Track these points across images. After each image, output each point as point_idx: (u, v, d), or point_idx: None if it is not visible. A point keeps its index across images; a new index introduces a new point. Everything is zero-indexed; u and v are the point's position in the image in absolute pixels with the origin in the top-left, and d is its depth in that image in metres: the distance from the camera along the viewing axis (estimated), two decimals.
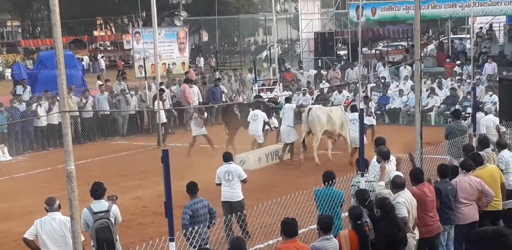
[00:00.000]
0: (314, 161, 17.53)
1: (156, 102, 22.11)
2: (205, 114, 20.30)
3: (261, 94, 24.35)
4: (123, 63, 51.55)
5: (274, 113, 20.28)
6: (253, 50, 59.39)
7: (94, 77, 40.59)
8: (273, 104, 20.82)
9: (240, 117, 19.92)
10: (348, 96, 23.99)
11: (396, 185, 8.98)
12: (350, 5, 33.08)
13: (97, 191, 9.29)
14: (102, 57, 53.21)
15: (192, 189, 9.92)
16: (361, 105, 18.58)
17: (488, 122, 14.52)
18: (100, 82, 26.21)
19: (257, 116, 18.74)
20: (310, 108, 18.19)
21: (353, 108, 17.82)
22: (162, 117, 21.77)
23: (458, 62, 29.21)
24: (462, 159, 10.75)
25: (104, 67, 49.81)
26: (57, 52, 6.02)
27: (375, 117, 20.57)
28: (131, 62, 41.54)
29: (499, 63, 28.04)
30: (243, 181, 11.93)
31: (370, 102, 20.52)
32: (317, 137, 17.85)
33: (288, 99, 19.02)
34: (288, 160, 18.52)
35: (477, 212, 9.93)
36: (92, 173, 16.67)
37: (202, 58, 45.35)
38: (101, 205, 9.25)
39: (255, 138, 18.95)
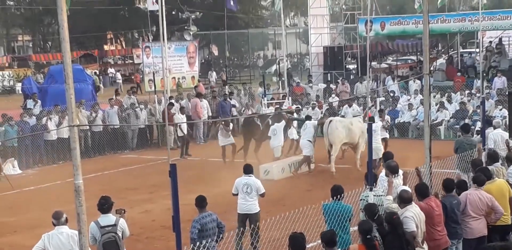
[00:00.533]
0: (330, 170, 17.96)
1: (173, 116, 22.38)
2: (231, 125, 20.61)
3: (270, 108, 24.40)
4: (133, 77, 51.82)
5: (293, 125, 20.65)
6: (263, 64, 59.51)
7: (104, 91, 40.95)
8: (291, 116, 20.96)
9: (262, 128, 20.20)
10: (358, 110, 24.00)
11: (403, 199, 8.96)
12: (359, 20, 33.16)
13: (104, 205, 9.31)
14: (118, 71, 53.37)
15: (201, 203, 9.90)
16: (376, 118, 18.70)
17: (496, 137, 14.44)
18: (118, 97, 26.35)
19: (276, 131, 19.22)
20: (330, 121, 18.74)
21: (371, 120, 17.87)
22: (183, 129, 21.98)
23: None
24: (470, 173, 10.72)
25: (120, 80, 49.81)
26: (65, 67, 6.08)
27: (387, 130, 20.68)
28: (141, 77, 41.68)
29: (508, 77, 27.99)
30: (261, 195, 11.94)
31: (385, 116, 20.63)
32: (335, 148, 18.37)
33: (308, 117, 19.43)
34: (305, 172, 18.79)
35: (486, 226, 9.89)
36: (102, 186, 16.72)
37: (214, 73, 45.45)
38: (109, 219, 9.26)
39: (276, 152, 19.26)
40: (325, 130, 18.60)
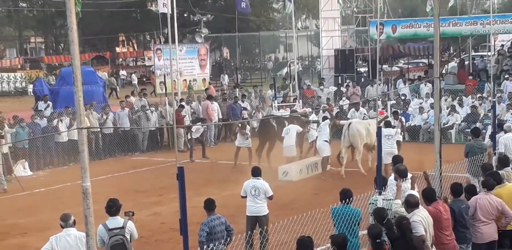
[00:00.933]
0: (360, 172, 18.14)
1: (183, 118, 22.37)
2: (248, 128, 20.66)
3: (281, 111, 24.41)
4: (144, 79, 52.01)
5: (312, 127, 20.76)
6: (274, 67, 59.56)
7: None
8: (306, 119, 20.98)
9: (277, 130, 20.27)
10: (365, 114, 23.96)
11: (410, 204, 8.93)
12: (371, 23, 33.14)
13: (112, 208, 9.31)
14: (134, 72, 53.49)
15: (209, 205, 9.90)
16: (391, 121, 18.72)
17: (507, 141, 14.34)
18: (133, 98, 26.38)
19: (289, 130, 19.34)
20: (350, 123, 18.96)
21: (387, 123, 17.87)
22: (199, 131, 22.04)
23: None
24: (481, 177, 10.67)
25: (136, 82, 49.81)
26: (74, 69, 6.08)
27: (402, 132, 20.74)
28: (144, 79, 41.83)
29: None
30: (269, 198, 11.92)
31: (401, 118, 20.63)
32: (359, 150, 18.59)
33: (325, 118, 19.41)
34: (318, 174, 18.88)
35: (496, 231, 9.84)
36: (111, 188, 16.72)
37: (226, 76, 45.48)
38: (117, 221, 9.28)
39: (289, 151, 19.27)
40: (345, 131, 18.70)
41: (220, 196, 14.61)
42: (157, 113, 24.62)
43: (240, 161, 20.21)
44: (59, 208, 15.39)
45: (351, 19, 37.87)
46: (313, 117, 21.56)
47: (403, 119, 21.55)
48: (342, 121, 20.27)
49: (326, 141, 18.70)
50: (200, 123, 22.38)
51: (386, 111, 22.02)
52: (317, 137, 19.68)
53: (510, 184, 10.42)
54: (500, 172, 10.94)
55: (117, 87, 45.95)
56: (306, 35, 57.63)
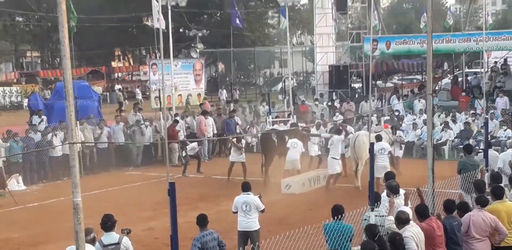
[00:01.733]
0: (355, 185, 18.29)
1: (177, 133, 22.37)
2: (243, 142, 20.82)
3: (275, 126, 24.46)
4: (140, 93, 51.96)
5: (312, 142, 20.99)
6: (269, 82, 59.74)
7: (111, 107, 41.05)
8: (307, 133, 21.07)
9: (277, 145, 20.28)
10: (351, 132, 24.00)
11: (401, 220, 8.97)
12: (365, 39, 33.30)
13: (107, 223, 9.26)
14: (138, 87, 53.36)
15: (202, 221, 9.92)
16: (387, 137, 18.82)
17: (506, 157, 14.42)
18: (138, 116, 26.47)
19: (297, 144, 19.49)
20: (357, 135, 19.02)
21: (379, 138, 17.97)
22: (194, 150, 22.09)
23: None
24: (473, 194, 10.70)
25: (140, 96, 49.57)
26: (66, 84, 6.10)
27: (401, 147, 20.88)
28: (147, 93, 41.84)
29: None
30: (262, 211, 11.94)
31: (399, 132, 20.72)
32: (362, 161, 18.53)
33: (338, 131, 19.31)
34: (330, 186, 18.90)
35: (490, 248, 9.85)
36: (105, 203, 16.73)
37: (224, 91, 45.54)
38: (112, 237, 9.24)
39: (293, 165, 19.37)
40: (352, 144, 18.81)
41: (214, 211, 14.63)
42: (152, 128, 24.65)
43: (234, 175, 20.25)
44: (53, 223, 15.43)
45: (346, 35, 38.10)
46: (313, 131, 21.64)
47: (401, 133, 21.69)
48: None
49: (335, 158, 18.59)
50: (195, 141, 22.43)
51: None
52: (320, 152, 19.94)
53: (510, 202, 10.42)
54: None
55: (125, 102, 45.91)
56: (301, 50, 57.90)
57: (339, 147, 18.73)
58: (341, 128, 19.92)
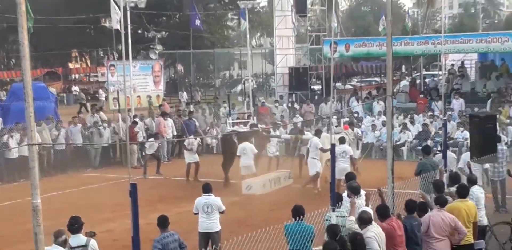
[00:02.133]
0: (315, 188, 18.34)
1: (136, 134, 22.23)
2: (195, 143, 20.80)
3: (235, 127, 24.42)
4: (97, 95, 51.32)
5: (270, 142, 20.94)
6: (228, 84, 59.70)
7: (67, 109, 40.54)
8: (266, 133, 21.04)
9: (237, 146, 20.16)
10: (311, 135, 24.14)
11: (363, 220, 8.99)
12: (324, 41, 33.47)
13: (74, 225, 9.17)
14: (101, 88, 52.60)
15: (163, 222, 9.85)
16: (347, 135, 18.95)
17: (466, 157, 14.56)
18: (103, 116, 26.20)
19: (246, 150, 19.24)
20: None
21: (342, 140, 18.03)
22: (153, 147, 21.87)
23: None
24: (432, 194, 10.79)
25: (104, 98, 48.87)
26: (25, 85, 5.99)
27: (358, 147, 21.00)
28: (105, 95, 41.48)
29: (471, 100, 28.44)
30: (222, 212, 11.96)
31: (356, 129, 20.85)
32: (322, 163, 18.58)
33: (317, 132, 19.43)
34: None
35: (450, 247, 9.95)
36: (63, 205, 16.48)
37: (184, 93, 45.28)
38: (79, 239, 9.16)
39: (248, 170, 19.28)
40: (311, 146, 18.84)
41: (173, 213, 14.51)
42: (110, 129, 24.42)
43: (192, 176, 20.25)
44: (8, 226, 15.14)
45: (305, 37, 38.24)
46: (282, 132, 21.74)
47: (359, 130, 21.84)
48: (305, 136, 20.46)
49: (315, 158, 18.48)
50: (153, 139, 22.28)
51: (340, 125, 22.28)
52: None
53: (471, 202, 10.56)
54: (452, 189, 11.11)
55: (87, 103, 45.33)
56: (260, 52, 58.00)
57: (317, 149, 18.43)
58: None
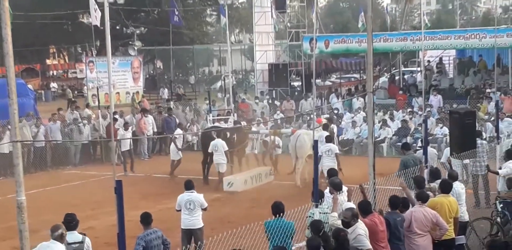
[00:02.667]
0: (296, 184, 18.48)
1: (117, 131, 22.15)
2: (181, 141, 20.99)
3: (216, 124, 24.40)
4: (76, 92, 51.01)
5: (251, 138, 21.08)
6: (207, 80, 59.58)
7: (46, 105, 40.22)
8: (248, 130, 21.08)
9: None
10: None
11: (356, 216, 9.05)
12: (304, 38, 33.53)
13: (72, 222, 9.31)
14: (73, 84, 52.28)
15: (145, 219, 9.85)
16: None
17: (449, 152, 14.66)
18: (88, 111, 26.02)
19: (217, 147, 19.10)
20: (299, 134, 19.09)
21: (329, 139, 18.07)
22: (125, 145, 21.77)
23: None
24: (413, 190, 10.88)
25: (87, 95, 48.46)
26: (9, 81, 6.00)
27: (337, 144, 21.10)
28: (84, 91, 41.20)
29: (449, 96, 28.63)
30: (204, 209, 11.97)
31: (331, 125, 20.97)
32: (302, 160, 18.76)
33: (325, 127, 19.53)
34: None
35: (431, 243, 10.03)
36: (44, 202, 16.41)
37: (166, 90, 45.07)
38: (75, 236, 9.26)
39: (221, 168, 19.19)
40: (293, 143, 18.98)
41: (155, 210, 14.48)
42: (90, 126, 24.29)
43: (176, 173, 20.28)
44: None
45: (285, 33, 38.27)
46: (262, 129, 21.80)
47: (335, 126, 21.93)
48: (283, 130, 20.49)
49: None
50: (129, 137, 22.28)
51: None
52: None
53: (453, 198, 10.66)
54: (432, 184, 11.21)
55: (75, 100, 44.95)
56: (240, 49, 57.91)
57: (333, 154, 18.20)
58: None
